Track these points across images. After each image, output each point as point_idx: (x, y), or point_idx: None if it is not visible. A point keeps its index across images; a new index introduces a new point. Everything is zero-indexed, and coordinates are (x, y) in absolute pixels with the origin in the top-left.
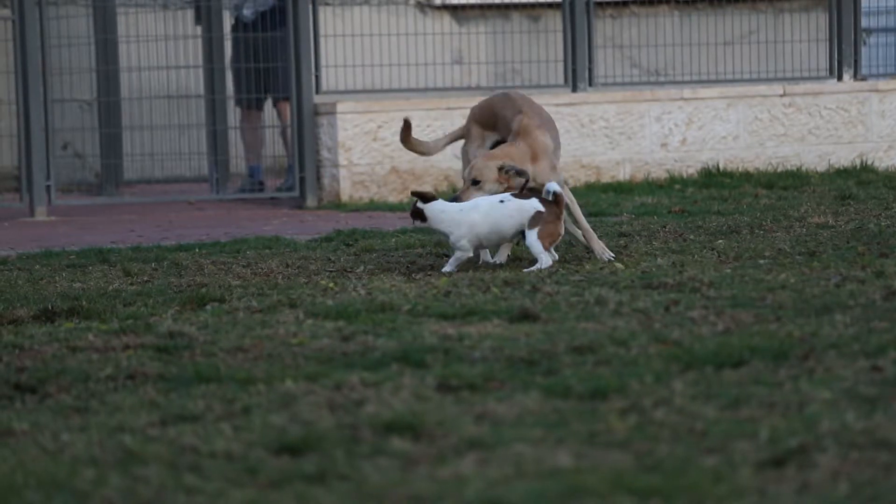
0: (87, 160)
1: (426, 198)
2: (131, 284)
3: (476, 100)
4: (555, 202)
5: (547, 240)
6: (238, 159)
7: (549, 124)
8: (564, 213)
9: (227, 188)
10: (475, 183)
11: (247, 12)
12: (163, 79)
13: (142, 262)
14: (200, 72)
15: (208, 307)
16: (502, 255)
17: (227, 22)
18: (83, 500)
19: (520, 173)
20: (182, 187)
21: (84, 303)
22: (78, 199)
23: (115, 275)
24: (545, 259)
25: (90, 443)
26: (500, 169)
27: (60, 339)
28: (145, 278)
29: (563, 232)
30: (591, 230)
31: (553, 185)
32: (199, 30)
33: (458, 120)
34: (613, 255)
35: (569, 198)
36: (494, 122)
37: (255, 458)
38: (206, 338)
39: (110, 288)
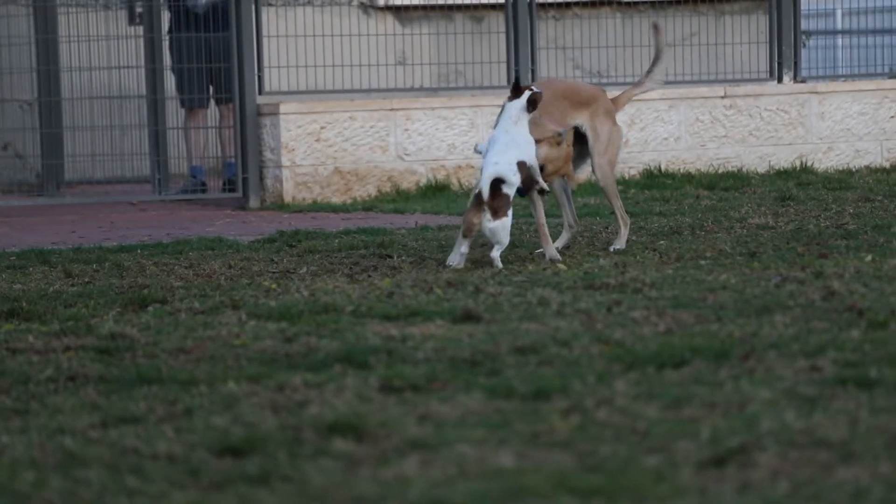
0: (28, 160)
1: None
2: (72, 286)
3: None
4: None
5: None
6: (180, 160)
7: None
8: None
9: (169, 189)
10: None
11: (201, 0)
12: (104, 79)
13: (83, 263)
14: (142, 72)
15: (150, 308)
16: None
17: (166, 21)
18: (23, 503)
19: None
20: (124, 188)
21: (24, 304)
22: (18, 199)
23: (56, 276)
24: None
25: (30, 445)
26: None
27: (0, 340)
28: (86, 279)
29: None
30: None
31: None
32: (140, 30)
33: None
34: (560, 258)
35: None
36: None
37: (198, 459)
38: (147, 339)
39: (51, 289)
